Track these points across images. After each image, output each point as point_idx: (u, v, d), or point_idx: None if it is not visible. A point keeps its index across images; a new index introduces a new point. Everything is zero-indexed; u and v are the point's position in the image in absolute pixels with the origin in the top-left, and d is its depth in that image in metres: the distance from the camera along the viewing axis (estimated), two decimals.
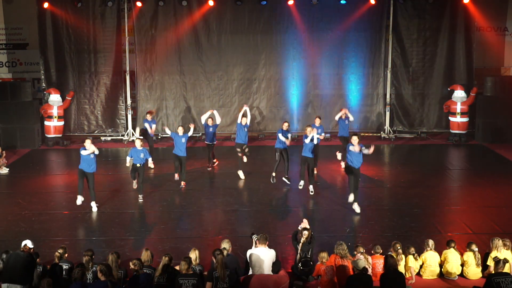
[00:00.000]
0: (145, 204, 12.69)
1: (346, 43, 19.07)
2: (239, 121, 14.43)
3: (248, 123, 14.74)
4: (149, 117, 15.56)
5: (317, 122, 14.54)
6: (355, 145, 11.60)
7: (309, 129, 12.81)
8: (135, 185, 13.05)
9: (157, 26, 18.84)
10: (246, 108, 14.89)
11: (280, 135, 13.56)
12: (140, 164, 12.59)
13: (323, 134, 14.03)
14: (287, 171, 13.69)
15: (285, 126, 13.89)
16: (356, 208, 11.85)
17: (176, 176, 13.89)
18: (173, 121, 19.32)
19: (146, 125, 15.35)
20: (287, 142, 13.51)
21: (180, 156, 13.64)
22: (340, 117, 15.18)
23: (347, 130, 15.21)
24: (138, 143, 12.71)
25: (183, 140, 13.67)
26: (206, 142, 15.38)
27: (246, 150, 14.49)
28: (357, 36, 18.99)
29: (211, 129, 15.10)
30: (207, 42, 18.96)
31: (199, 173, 15.04)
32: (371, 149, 11.59)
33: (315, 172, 14.02)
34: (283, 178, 13.63)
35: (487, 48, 19.85)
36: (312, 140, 12.63)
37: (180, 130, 13.83)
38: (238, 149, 14.47)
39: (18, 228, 11.26)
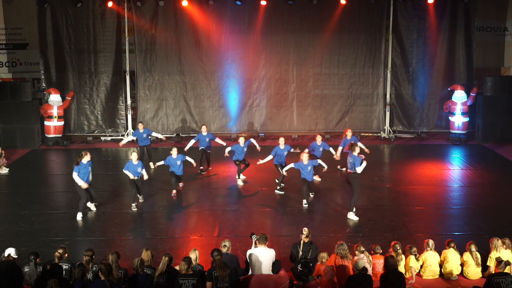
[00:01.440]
0: (145, 205, 12.69)
1: (346, 43, 19.07)
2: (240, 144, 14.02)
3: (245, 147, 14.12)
4: (140, 127, 15.32)
5: (319, 140, 13.93)
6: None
7: (305, 156, 12.35)
8: (134, 208, 12.42)
9: (157, 26, 18.84)
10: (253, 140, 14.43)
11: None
12: (137, 177, 12.39)
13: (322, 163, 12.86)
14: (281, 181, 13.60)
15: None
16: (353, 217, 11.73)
17: (174, 192, 13.19)
18: (173, 121, 19.33)
19: (134, 138, 15.11)
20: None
21: (178, 174, 13.37)
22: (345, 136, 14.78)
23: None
24: (134, 157, 12.33)
25: (179, 162, 13.17)
26: (200, 147, 15.10)
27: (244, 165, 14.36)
28: (357, 36, 18.99)
29: (206, 139, 14.92)
30: (207, 42, 18.96)
31: (199, 174, 15.02)
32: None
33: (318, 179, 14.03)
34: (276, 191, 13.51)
35: (487, 48, 19.87)
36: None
37: (174, 152, 13.15)
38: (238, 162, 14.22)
39: (18, 228, 11.26)
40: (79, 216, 11.75)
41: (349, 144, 11.90)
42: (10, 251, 8.81)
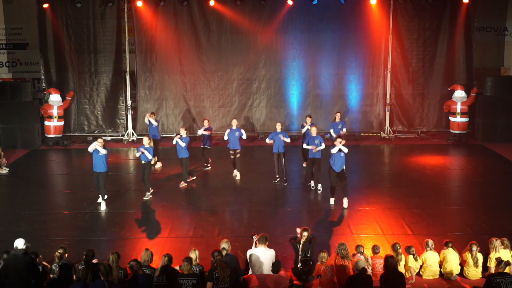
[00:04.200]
0: (145, 204, 12.70)
1: (346, 43, 19.06)
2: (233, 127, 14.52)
3: (243, 133, 14.55)
4: (153, 117, 15.62)
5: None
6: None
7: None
8: (146, 197, 12.96)
9: (157, 26, 18.84)
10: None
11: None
12: (145, 161, 12.73)
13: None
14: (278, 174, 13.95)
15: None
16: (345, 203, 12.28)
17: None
18: (173, 121, 19.33)
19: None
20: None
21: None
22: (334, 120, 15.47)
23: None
24: (145, 141, 12.76)
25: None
26: (201, 146, 15.27)
27: (238, 155, 14.46)
28: (357, 36, 18.98)
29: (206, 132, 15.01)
30: (207, 42, 18.95)
31: (199, 173, 15.02)
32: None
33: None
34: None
35: (487, 48, 19.87)
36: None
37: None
38: (231, 152, 14.56)
39: (18, 228, 11.26)
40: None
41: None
42: (17, 243, 8.37)
